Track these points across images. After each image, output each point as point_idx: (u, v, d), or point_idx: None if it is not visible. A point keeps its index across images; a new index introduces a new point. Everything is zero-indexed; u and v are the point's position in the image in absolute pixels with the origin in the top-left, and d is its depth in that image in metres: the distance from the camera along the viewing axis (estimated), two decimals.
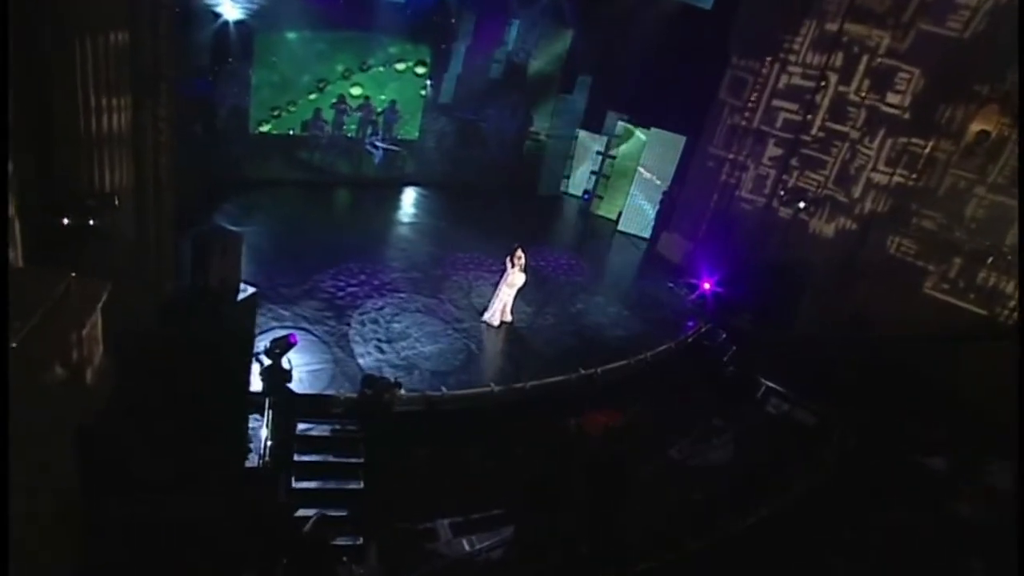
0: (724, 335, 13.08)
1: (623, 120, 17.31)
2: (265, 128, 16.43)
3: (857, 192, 13.67)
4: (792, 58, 14.04)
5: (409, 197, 17.14)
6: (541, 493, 8.89)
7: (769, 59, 14.17)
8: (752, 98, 14.44)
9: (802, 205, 14.05)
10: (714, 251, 14.46)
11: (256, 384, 8.71)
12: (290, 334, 9.14)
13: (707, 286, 13.86)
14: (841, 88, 13.62)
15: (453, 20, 16.94)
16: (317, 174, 16.53)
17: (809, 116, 14.03)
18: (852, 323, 13.42)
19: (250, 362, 8.90)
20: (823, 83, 13.72)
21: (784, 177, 14.52)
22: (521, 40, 18.01)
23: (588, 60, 17.47)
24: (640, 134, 17.30)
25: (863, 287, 13.39)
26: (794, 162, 14.39)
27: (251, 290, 9.28)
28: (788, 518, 9.55)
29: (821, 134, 13.98)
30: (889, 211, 13.33)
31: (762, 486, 10.14)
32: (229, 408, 7.99)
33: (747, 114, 14.59)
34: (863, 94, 13.36)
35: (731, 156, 14.92)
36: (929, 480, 10.93)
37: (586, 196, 18.49)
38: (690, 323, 13.16)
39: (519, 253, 11.18)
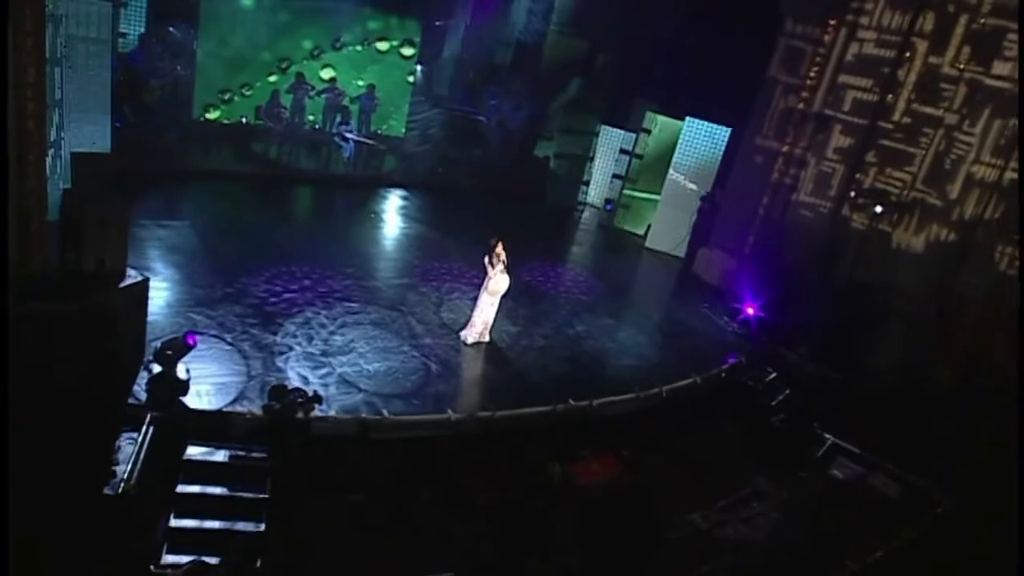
0: (773, 373, 12.44)
1: (652, 110, 17.09)
2: (213, 115, 16.66)
3: (955, 192, 13.03)
4: (864, 21, 13.63)
5: (385, 200, 16.92)
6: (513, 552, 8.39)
7: (833, 23, 13.80)
8: (812, 74, 14.06)
9: (879, 210, 13.46)
10: (764, 269, 13.81)
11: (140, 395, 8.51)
12: (187, 333, 8.90)
13: (751, 311, 13.28)
14: (932, 59, 13.12)
15: None
16: (273, 169, 16.43)
17: (889, 96, 13.54)
18: (951, 363, 12.71)
19: (132, 363, 8.69)
20: (907, 53, 13.29)
21: (857, 176, 14.08)
22: (531, 16, 18.25)
23: (611, 37, 17.48)
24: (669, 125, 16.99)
25: (967, 315, 12.70)
26: (870, 156, 13.90)
27: (139, 277, 9.21)
28: None
29: (906, 119, 13.46)
30: (1000, 216, 12.58)
31: (814, 566, 9.39)
32: (92, 417, 7.72)
33: (805, 94, 14.16)
34: (961, 65, 12.83)
35: (785, 148, 14.44)
36: None
37: (609, 206, 18.11)
38: (731, 357, 12.56)
39: (499, 249, 10.87)
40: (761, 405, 12.01)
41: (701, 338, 13.18)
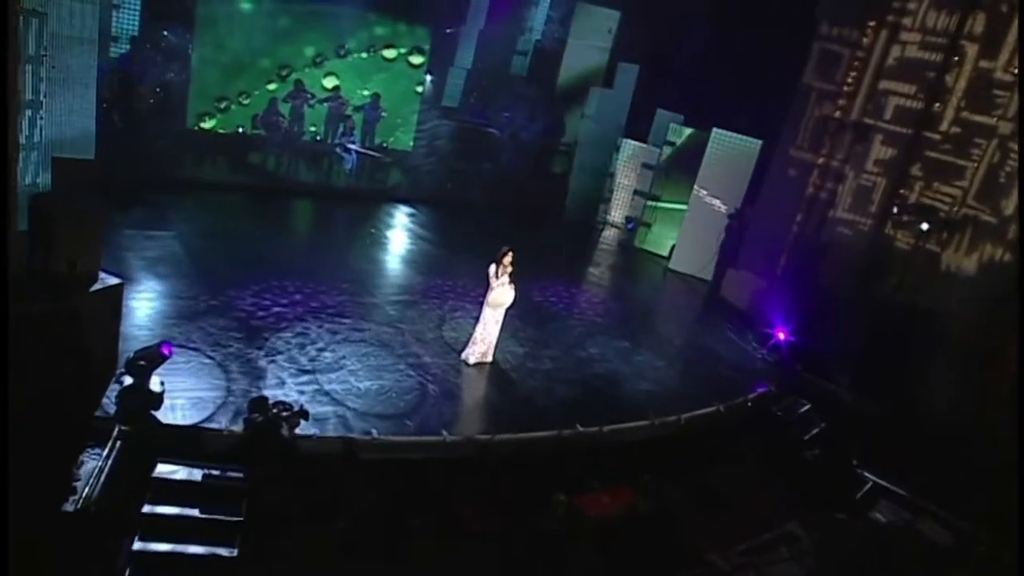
0: (807, 404, 12.18)
1: (677, 122, 17.10)
2: (208, 124, 16.86)
3: (1010, 208, 12.60)
4: (907, 22, 13.46)
5: (390, 214, 16.99)
6: None
7: (873, 24, 13.67)
8: (849, 80, 13.92)
9: (926, 228, 13.23)
10: (797, 291, 13.54)
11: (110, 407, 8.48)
12: (162, 343, 8.89)
13: (782, 336, 13.03)
14: (983, 63, 12.88)
15: None
16: (270, 180, 16.54)
17: (936, 104, 13.29)
18: (1004, 396, 12.40)
19: (102, 373, 8.69)
20: (955, 56, 13.07)
21: (901, 191, 13.89)
22: (549, 23, 18.42)
23: (634, 44, 17.58)
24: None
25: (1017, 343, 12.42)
26: (915, 169, 13.63)
27: (114, 281, 9.25)
28: None
29: (955, 129, 13.17)
30: None
31: None
32: (54, 429, 7.69)
33: (842, 102, 14.00)
34: (1016, 69, 12.52)
35: (821, 161, 14.25)
36: None
37: (630, 224, 18.12)
38: (759, 385, 12.37)
39: (507, 260, 10.66)
40: (793, 439, 11.67)
41: (726, 364, 12.91)
